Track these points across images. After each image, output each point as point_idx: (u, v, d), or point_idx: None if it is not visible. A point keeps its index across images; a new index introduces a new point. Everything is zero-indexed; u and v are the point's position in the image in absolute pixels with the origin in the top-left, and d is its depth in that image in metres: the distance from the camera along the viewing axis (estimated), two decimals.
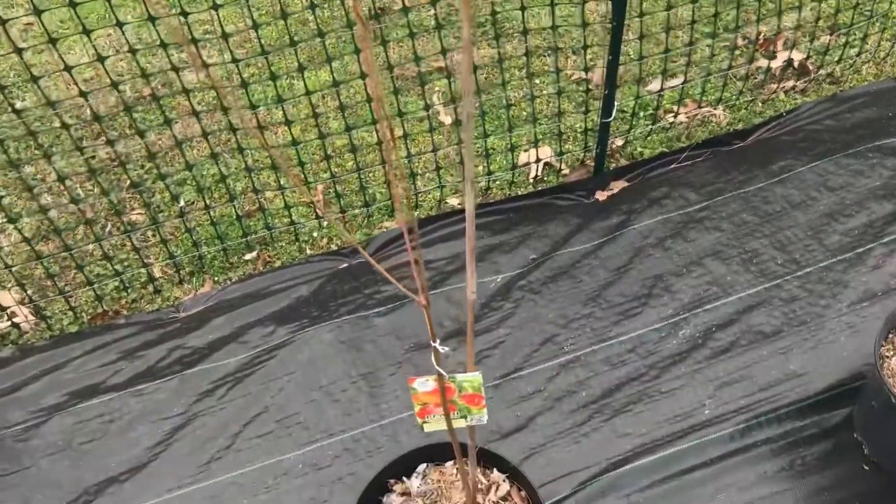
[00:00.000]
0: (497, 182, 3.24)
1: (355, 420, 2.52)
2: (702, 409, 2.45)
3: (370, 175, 3.26)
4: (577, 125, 3.39)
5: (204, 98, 3.63)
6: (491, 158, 3.25)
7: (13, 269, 2.87)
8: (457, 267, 2.91)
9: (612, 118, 3.01)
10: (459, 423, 1.61)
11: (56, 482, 2.44)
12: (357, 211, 3.14)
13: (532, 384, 2.56)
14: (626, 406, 2.48)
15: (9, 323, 2.86)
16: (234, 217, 2.99)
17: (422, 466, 2.07)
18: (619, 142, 3.33)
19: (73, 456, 2.49)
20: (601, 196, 3.13)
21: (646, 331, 2.65)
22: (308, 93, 2.76)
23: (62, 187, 3.30)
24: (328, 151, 3.28)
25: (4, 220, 3.15)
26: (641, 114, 3.43)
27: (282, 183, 3.16)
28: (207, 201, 3.12)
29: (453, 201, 3.20)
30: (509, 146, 3.18)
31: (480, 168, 3.27)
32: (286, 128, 2.81)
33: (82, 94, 2.51)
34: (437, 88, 3.58)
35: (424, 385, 1.48)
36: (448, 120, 3.37)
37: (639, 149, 3.33)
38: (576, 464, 2.36)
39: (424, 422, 1.59)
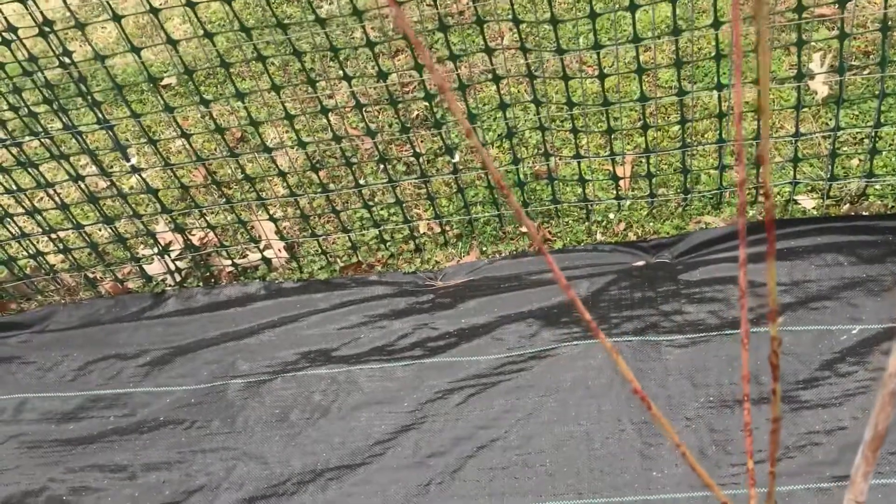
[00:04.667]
0: (878, 188, 2.32)
1: (613, 482, 1.91)
2: None
3: (698, 151, 2.52)
4: None
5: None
6: (878, 153, 2.33)
7: (280, 198, 2.60)
8: (798, 299, 2.11)
9: None
10: None
11: (263, 457, 2.15)
12: (671, 195, 2.43)
13: (885, 502, 1.75)
14: None
15: (259, 257, 2.61)
16: (516, 181, 2.43)
17: None
18: None
19: (287, 431, 2.18)
20: None
21: None
22: (635, 39, 2.07)
23: (346, 109, 2.98)
24: (647, 112, 2.57)
25: (290, 138, 2.90)
26: None
27: (580, 149, 2.53)
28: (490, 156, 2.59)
29: (807, 203, 2.36)
30: None
31: (854, 163, 2.37)
32: (589, 79, 2.17)
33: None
34: (816, 46, 2.67)
35: None
36: (823, 91, 2.47)
37: None
38: None
39: None
